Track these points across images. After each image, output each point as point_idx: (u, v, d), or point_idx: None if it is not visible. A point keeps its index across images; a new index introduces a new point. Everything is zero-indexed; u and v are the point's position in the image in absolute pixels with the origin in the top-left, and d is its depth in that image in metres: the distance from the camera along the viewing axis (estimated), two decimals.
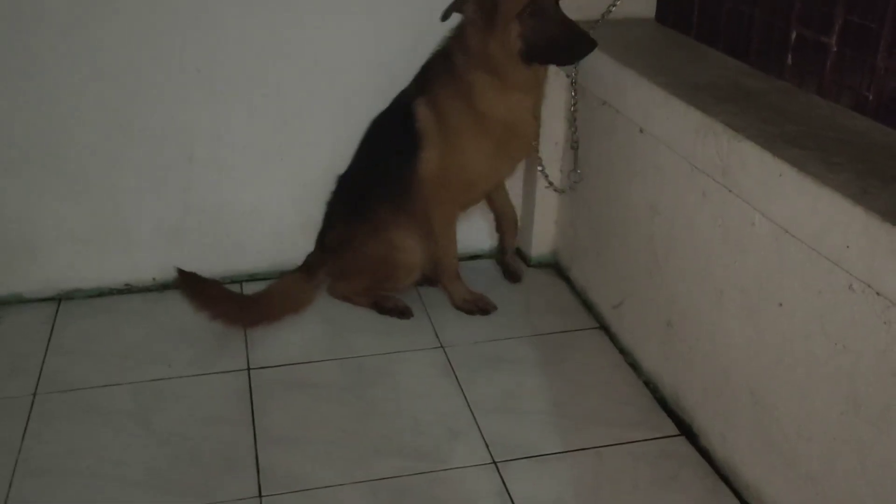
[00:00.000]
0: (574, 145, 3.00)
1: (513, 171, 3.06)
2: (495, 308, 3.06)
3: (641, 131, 2.57)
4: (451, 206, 2.96)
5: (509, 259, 3.29)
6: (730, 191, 2.14)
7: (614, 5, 2.89)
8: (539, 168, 3.14)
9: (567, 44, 2.62)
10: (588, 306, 3.10)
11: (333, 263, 3.04)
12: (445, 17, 2.66)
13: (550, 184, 3.15)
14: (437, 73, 2.81)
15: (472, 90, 2.72)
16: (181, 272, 2.88)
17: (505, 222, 3.27)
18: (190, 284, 2.88)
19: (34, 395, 2.62)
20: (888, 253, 1.62)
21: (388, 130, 2.93)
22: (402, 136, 2.85)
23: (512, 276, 3.27)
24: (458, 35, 2.75)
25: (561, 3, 2.71)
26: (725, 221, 2.21)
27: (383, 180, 2.91)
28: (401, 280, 3.02)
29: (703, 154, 2.20)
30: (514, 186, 3.29)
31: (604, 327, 2.98)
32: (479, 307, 3.05)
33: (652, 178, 2.56)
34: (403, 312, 3.04)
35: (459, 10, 2.65)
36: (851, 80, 2.24)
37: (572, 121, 2.97)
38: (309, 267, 3.05)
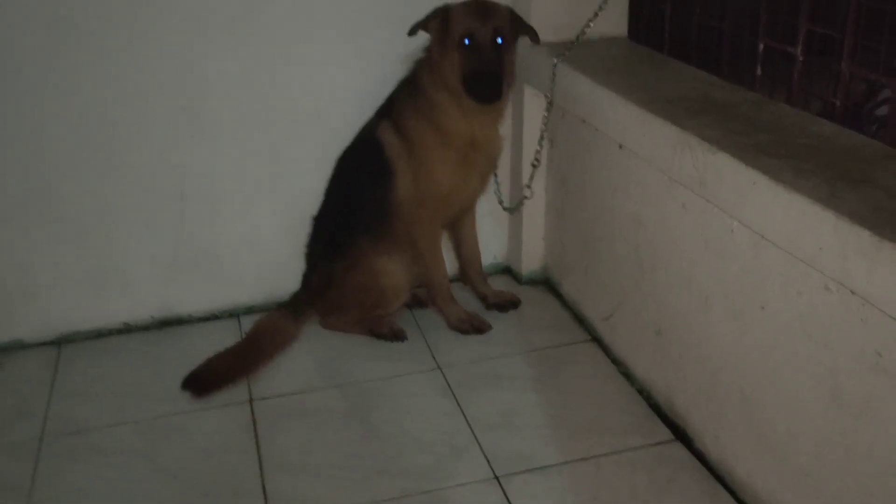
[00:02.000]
0: (534, 164, 3.11)
1: (484, 186, 3.11)
2: (490, 327, 3.11)
3: (621, 147, 2.65)
4: (433, 224, 3.01)
5: (492, 299, 3.26)
6: (708, 201, 2.21)
7: (588, 26, 2.99)
8: (495, 186, 3.27)
9: (476, 83, 2.72)
10: (580, 320, 3.17)
11: (321, 302, 3.08)
12: (412, 32, 2.77)
13: (500, 202, 3.30)
14: (400, 96, 2.92)
15: (433, 106, 2.82)
16: (189, 385, 2.79)
17: (472, 272, 3.28)
18: (200, 386, 2.80)
19: (41, 438, 2.66)
20: (858, 253, 1.69)
21: (357, 163, 3.01)
22: (371, 166, 2.93)
23: (508, 306, 3.25)
24: (425, 54, 2.86)
25: (535, 24, 2.82)
26: (706, 230, 2.28)
27: (358, 213, 2.98)
28: (389, 304, 3.06)
29: (680, 167, 2.28)
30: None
31: (596, 339, 3.05)
32: (474, 327, 3.10)
33: (634, 191, 2.63)
34: (397, 335, 3.09)
35: (425, 29, 2.77)
36: (819, 88, 2.32)
37: (540, 139, 3.07)
38: (295, 306, 3.08)
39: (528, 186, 3.17)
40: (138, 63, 2.92)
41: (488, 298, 3.26)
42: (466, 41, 2.72)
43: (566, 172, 3.08)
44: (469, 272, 3.28)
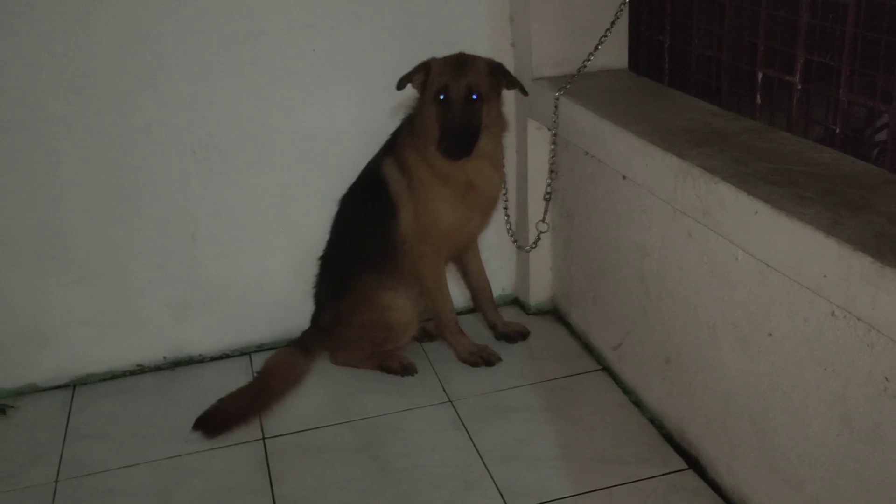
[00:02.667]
0: (546, 197, 3.13)
1: (486, 222, 3.14)
2: (499, 359, 3.13)
3: (624, 178, 2.68)
4: (436, 259, 3.02)
5: (501, 328, 3.29)
6: (712, 230, 2.23)
7: (589, 59, 3.03)
8: (507, 227, 3.33)
9: (444, 138, 2.76)
10: (589, 349, 3.18)
11: (331, 340, 3.11)
12: (399, 87, 2.83)
13: (514, 241, 3.35)
14: (401, 133, 2.97)
15: (426, 149, 2.86)
16: (200, 426, 2.82)
17: (482, 299, 3.31)
18: (212, 427, 2.83)
19: (56, 481, 2.68)
20: (861, 280, 1.71)
21: (362, 199, 3.05)
22: (376, 202, 2.97)
23: (517, 337, 3.28)
24: (416, 105, 2.92)
25: (536, 59, 2.85)
26: (711, 259, 2.30)
27: (363, 249, 3.01)
28: (398, 339, 3.08)
29: (683, 196, 2.30)
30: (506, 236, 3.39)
31: (606, 369, 3.06)
32: (483, 359, 3.12)
33: (638, 221, 2.66)
34: (407, 369, 3.11)
35: (411, 82, 2.83)
36: (818, 115, 2.35)
37: (549, 173, 3.10)
38: (305, 344, 3.10)
39: (544, 221, 3.20)
40: (150, 109, 2.97)
41: (497, 328, 3.29)
42: (441, 96, 2.77)
43: (571, 204, 3.11)
44: (479, 300, 3.31)
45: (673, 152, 2.34)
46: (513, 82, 2.89)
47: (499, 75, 2.86)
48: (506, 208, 3.35)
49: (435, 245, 2.97)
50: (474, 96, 2.78)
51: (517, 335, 3.27)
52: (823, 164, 2.16)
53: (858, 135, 2.29)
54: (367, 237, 3.01)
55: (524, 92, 2.92)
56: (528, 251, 3.32)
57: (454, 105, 2.77)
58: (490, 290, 3.31)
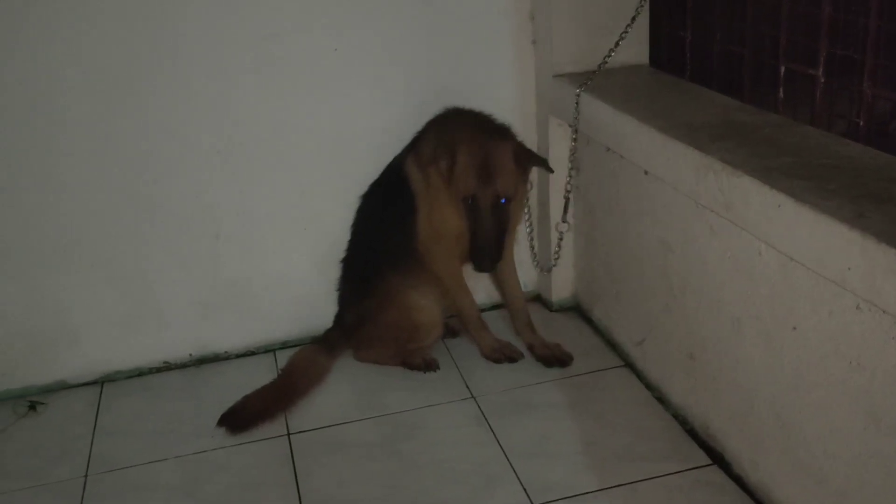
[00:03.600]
0: (567, 195, 3.14)
1: None
2: (522, 356, 3.13)
3: (646, 173, 2.67)
4: (449, 258, 3.00)
5: (539, 351, 3.12)
6: (735, 224, 2.23)
7: (610, 55, 3.03)
8: (531, 249, 3.37)
9: (473, 248, 2.79)
10: (612, 345, 3.18)
11: (355, 339, 3.13)
12: (419, 165, 2.88)
13: (537, 263, 3.40)
14: (424, 137, 2.97)
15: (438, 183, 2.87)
16: (225, 422, 2.84)
17: (516, 320, 3.20)
18: (236, 424, 2.85)
19: (85, 476, 2.72)
20: (887, 272, 1.70)
21: (384, 199, 3.06)
22: (398, 200, 2.98)
23: (553, 362, 3.09)
24: (438, 130, 2.92)
25: (557, 56, 2.84)
26: (734, 253, 2.29)
27: (386, 248, 3.02)
28: (424, 338, 3.09)
29: (705, 191, 2.30)
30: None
31: (629, 365, 3.05)
32: (506, 356, 3.12)
33: (661, 216, 2.65)
34: (430, 366, 3.12)
35: (431, 164, 2.82)
36: (842, 109, 2.34)
37: (568, 170, 3.10)
38: (328, 341, 3.12)
39: (564, 220, 3.20)
40: (173, 109, 3.00)
41: (535, 349, 3.13)
42: (470, 200, 2.77)
43: (593, 200, 3.11)
44: (514, 322, 3.21)
45: (695, 147, 2.33)
46: (538, 161, 2.91)
47: (524, 162, 2.85)
48: (530, 231, 3.35)
49: (446, 245, 2.96)
50: (503, 200, 2.78)
51: (555, 360, 3.08)
52: (847, 158, 2.15)
53: (883, 128, 2.27)
54: (390, 234, 3.02)
55: (549, 170, 2.96)
56: (549, 271, 3.35)
57: (483, 213, 2.77)
58: (525, 310, 3.19)
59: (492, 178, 2.76)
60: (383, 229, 3.05)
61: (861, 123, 2.25)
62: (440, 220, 2.92)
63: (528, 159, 2.88)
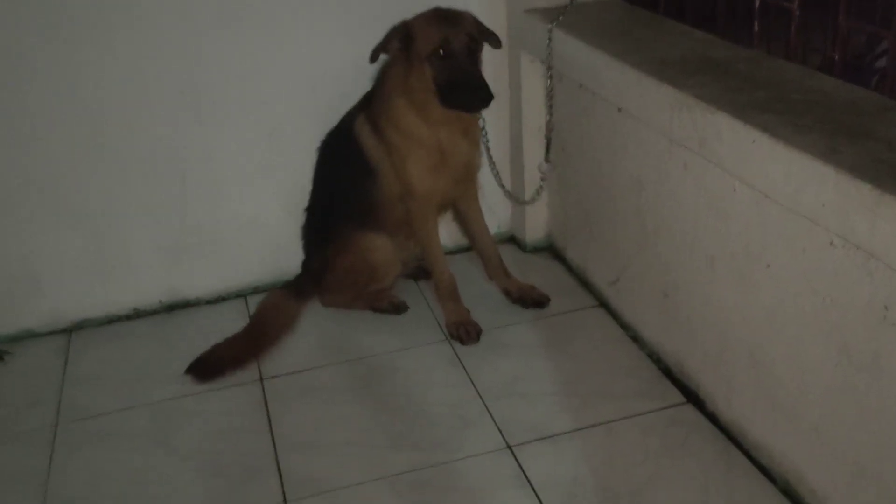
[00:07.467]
0: (547, 136, 3.07)
1: (465, 188, 3.03)
2: (476, 340, 2.92)
3: (619, 110, 2.63)
4: (426, 213, 2.93)
5: (515, 294, 3.09)
6: (708, 161, 2.20)
7: None
8: (502, 189, 3.27)
9: (462, 92, 2.66)
10: (586, 285, 3.17)
11: (320, 285, 3.09)
12: (373, 59, 2.74)
13: (508, 193, 3.31)
14: (375, 93, 2.88)
15: (397, 115, 2.79)
16: (193, 371, 2.82)
17: (488, 266, 3.15)
18: (205, 372, 2.82)
19: (56, 425, 2.69)
20: (860, 207, 1.68)
21: (339, 160, 3.00)
22: (352, 163, 2.92)
23: (530, 304, 3.07)
24: (390, 62, 2.81)
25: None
26: (708, 191, 2.27)
27: (343, 206, 2.98)
28: (383, 279, 3.05)
29: (679, 128, 2.26)
30: (502, 171, 3.32)
31: (604, 304, 3.05)
32: (460, 334, 2.93)
33: (634, 154, 2.62)
34: (398, 308, 3.10)
35: (385, 51, 2.73)
36: (817, 42, 2.30)
37: (548, 108, 3.04)
38: (297, 287, 3.08)
39: (547, 160, 3.12)
40: (136, 50, 2.91)
41: (511, 293, 3.10)
42: (441, 52, 2.65)
43: (566, 138, 3.06)
44: (487, 268, 3.16)
45: (669, 83, 2.29)
46: (487, 33, 2.79)
47: (479, 27, 2.76)
48: (492, 164, 3.24)
49: (420, 201, 2.90)
50: (473, 48, 2.69)
51: (532, 302, 3.07)
52: (822, 92, 2.12)
53: (858, 62, 2.24)
54: (347, 197, 2.97)
55: (498, 43, 2.83)
56: (527, 203, 3.27)
57: (459, 58, 2.65)
58: (496, 255, 3.14)
59: (460, 23, 2.68)
60: (340, 188, 3.00)
61: (836, 57, 2.22)
62: (406, 177, 2.84)
63: (482, 26, 2.78)
